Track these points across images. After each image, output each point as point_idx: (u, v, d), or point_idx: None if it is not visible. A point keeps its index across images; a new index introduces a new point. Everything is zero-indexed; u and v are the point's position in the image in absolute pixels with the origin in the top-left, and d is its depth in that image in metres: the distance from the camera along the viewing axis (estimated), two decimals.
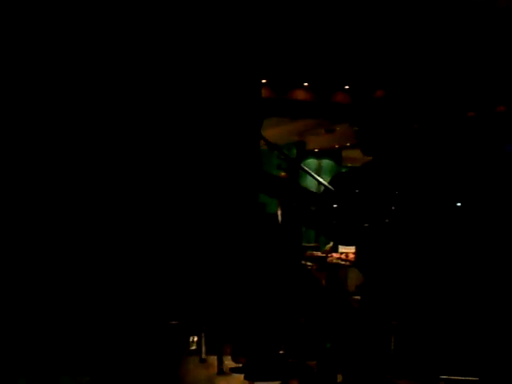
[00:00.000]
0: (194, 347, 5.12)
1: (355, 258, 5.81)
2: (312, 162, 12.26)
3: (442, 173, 5.08)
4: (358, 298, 5.56)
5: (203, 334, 4.95)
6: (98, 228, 5.27)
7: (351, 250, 6.26)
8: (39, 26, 5.32)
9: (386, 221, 4.65)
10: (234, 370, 4.72)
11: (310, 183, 10.34)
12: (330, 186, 4.76)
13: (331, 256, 7.16)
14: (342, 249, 7.21)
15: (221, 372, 4.70)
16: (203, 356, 4.93)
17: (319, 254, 7.62)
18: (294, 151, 11.32)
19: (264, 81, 7.14)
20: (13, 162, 4.74)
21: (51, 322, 4.56)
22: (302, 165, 4.70)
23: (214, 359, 4.83)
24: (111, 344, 4.89)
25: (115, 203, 5.41)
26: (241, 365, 4.78)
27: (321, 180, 4.73)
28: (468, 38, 7.03)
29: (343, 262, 6.80)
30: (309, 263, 7.47)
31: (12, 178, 4.66)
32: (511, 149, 5.66)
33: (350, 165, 11.89)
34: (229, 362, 4.84)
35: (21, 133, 5.01)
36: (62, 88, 5.44)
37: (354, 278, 6.20)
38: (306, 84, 7.61)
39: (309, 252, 7.69)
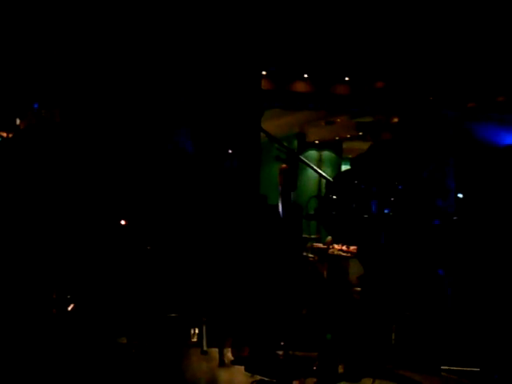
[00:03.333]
0: (195, 339, 5.12)
1: (357, 249, 5.82)
2: (313, 153, 12.25)
3: (438, 163, 5.07)
4: (359, 289, 5.57)
5: (204, 327, 4.95)
6: (100, 223, 5.28)
7: None
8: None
9: (386, 212, 4.66)
10: (235, 362, 4.72)
11: (311, 175, 10.34)
12: (329, 178, 4.76)
13: (332, 248, 7.15)
14: None
15: (222, 364, 4.70)
16: (204, 348, 4.92)
17: (320, 245, 7.61)
18: (295, 143, 11.31)
19: (264, 73, 7.12)
20: None
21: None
22: (302, 157, 4.69)
23: (215, 351, 4.82)
24: (114, 339, 4.90)
25: (116, 199, 5.42)
26: (242, 357, 4.77)
27: (321, 172, 4.73)
28: (468, 28, 7.01)
29: (344, 254, 6.79)
30: (310, 255, 7.46)
31: None
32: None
33: (350, 156, 11.87)
34: (230, 355, 4.84)
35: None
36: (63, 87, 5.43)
37: (355, 270, 6.19)
38: (306, 76, 7.60)
39: (310, 244, 7.68)
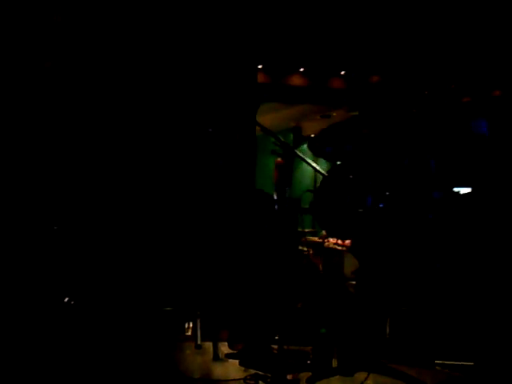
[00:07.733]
0: (189, 333, 5.12)
1: (351, 244, 5.82)
2: None
3: (438, 158, 5.07)
4: (354, 283, 5.58)
5: (198, 320, 4.95)
6: (97, 218, 5.28)
7: None
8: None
9: (381, 206, 4.65)
10: (229, 356, 4.72)
11: (306, 169, 10.32)
12: (324, 172, 4.75)
13: (328, 241, 7.15)
14: None
15: (216, 358, 4.70)
16: (198, 342, 4.92)
17: (316, 239, 7.61)
18: (291, 137, 11.28)
19: (260, 66, 7.11)
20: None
21: None
22: (298, 151, 4.68)
23: (209, 345, 4.82)
24: (108, 333, 4.90)
25: (115, 194, 5.41)
26: (236, 351, 4.78)
27: (315, 166, 4.73)
28: (464, 22, 7.00)
29: (340, 248, 6.80)
30: (305, 248, 7.46)
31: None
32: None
33: None
34: (225, 348, 4.84)
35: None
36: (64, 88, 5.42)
37: (350, 264, 6.20)
38: (301, 69, 7.58)
39: (305, 237, 7.68)
